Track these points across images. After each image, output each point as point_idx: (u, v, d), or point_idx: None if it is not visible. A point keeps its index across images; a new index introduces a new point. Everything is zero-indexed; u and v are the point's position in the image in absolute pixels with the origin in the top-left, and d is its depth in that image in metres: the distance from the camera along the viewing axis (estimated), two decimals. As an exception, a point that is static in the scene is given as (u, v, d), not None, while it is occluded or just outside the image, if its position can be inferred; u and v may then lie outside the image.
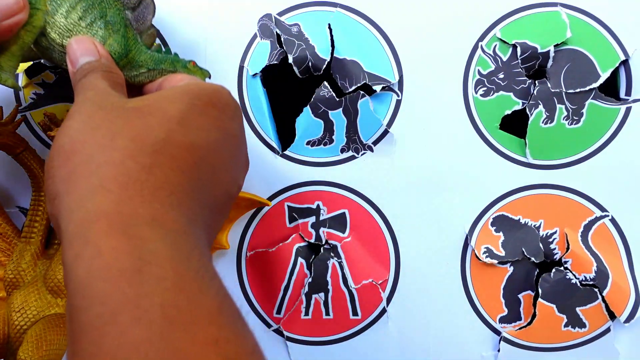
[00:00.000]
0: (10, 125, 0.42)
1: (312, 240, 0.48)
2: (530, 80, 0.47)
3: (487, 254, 0.47)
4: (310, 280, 0.48)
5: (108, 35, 0.37)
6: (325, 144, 0.48)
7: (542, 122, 0.47)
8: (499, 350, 0.47)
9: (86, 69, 0.32)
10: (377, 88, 0.47)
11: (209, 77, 0.46)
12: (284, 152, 0.49)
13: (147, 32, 0.40)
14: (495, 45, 0.47)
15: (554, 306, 0.47)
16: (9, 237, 0.46)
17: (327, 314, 0.49)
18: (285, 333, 0.48)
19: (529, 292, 0.47)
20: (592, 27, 0.46)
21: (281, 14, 0.48)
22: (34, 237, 0.45)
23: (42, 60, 0.45)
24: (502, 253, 0.47)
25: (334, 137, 0.48)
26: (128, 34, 0.38)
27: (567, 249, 0.47)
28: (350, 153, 0.48)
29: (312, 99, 0.48)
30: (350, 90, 0.47)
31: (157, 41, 0.46)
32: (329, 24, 0.48)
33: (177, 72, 0.39)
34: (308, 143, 0.48)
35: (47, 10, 0.36)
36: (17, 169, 0.45)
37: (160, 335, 0.19)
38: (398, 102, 0.48)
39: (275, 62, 0.48)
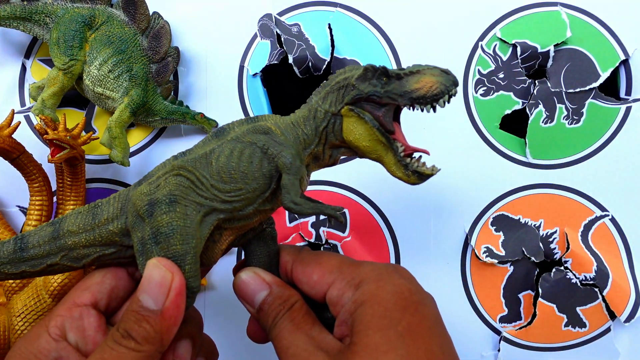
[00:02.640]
0: (6, 130, 0.42)
1: (312, 240, 0.48)
2: (530, 80, 0.47)
3: (487, 254, 0.47)
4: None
5: (131, 87, 0.45)
6: (325, 144, 0.48)
7: (542, 122, 0.47)
8: (499, 350, 0.47)
9: (269, 312, 0.31)
10: None
11: (216, 126, 0.47)
12: (284, 152, 0.49)
13: (165, 85, 0.46)
14: (496, 45, 0.47)
15: (554, 306, 0.47)
16: None
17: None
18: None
19: (529, 291, 0.47)
20: (592, 26, 0.46)
21: (281, 14, 0.48)
22: None
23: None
24: (502, 253, 0.47)
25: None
26: (148, 86, 0.46)
27: (567, 248, 0.47)
28: (350, 153, 0.48)
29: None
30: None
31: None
32: (329, 24, 0.48)
33: (186, 122, 0.46)
34: (308, 143, 0.48)
35: (85, 60, 0.44)
36: (15, 169, 0.45)
37: None
38: (398, 102, 0.48)
39: (275, 62, 0.48)
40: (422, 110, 0.30)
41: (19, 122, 0.43)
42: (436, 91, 0.29)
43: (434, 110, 0.30)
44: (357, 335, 0.27)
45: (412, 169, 0.31)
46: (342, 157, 0.34)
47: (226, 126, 0.32)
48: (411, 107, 0.31)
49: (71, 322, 0.29)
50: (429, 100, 0.30)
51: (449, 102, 0.30)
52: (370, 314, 0.27)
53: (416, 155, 0.31)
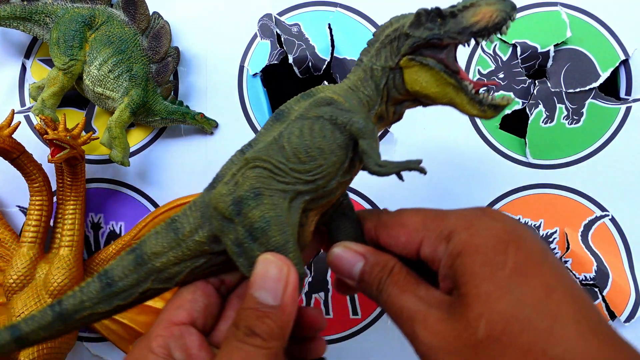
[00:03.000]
0: (6, 130, 0.42)
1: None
2: (530, 80, 0.47)
3: (487, 254, 0.47)
4: (310, 279, 0.48)
5: (131, 87, 0.45)
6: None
7: (542, 122, 0.47)
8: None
9: (370, 281, 0.30)
10: None
11: (216, 126, 0.47)
12: (284, 152, 0.49)
13: (165, 85, 0.46)
14: (496, 45, 0.47)
15: (554, 306, 0.47)
16: (8, 242, 0.46)
17: (327, 313, 0.49)
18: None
19: (529, 291, 0.47)
20: (592, 26, 0.46)
21: (281, 14, 0.48)
22: (33, 241, 0.45)
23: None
24: (502, 253, 0.47)
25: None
26: (148, 86, 0.46)
27: (567, 248, 0.47)
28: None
29: (312, 99, 0.47)
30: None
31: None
32: (329, 24, 0.48)
33: (186, 122, 0.45)
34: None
35: (85, 60, 0.44)
36: (14, 168, 0.45)
37: None
38: (398, 102, 0.48)
39: (275, 62, 0.48)
40: (485, 41, 0.30)
41: (19, 122, 0.43)
42: (497, 19, 0.28)
43: (502, 34, 0.29)
44: (464, 287, 0.26)
45: (487, 104, 0.29)
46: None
47: (284, 107, 0.31)
48: (474, 41, 0.29)
49: (174, 341, 0.28)
50: (492, 31, 0.29)
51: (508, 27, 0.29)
52: (471, 263, 0.26)
53: (482, 90, 0.30)
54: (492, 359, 0.24)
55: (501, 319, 0.24)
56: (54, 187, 0.47)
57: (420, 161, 0.29)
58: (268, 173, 0.29)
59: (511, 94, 0.30)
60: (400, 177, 0.30)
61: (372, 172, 0.29)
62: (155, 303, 0.47)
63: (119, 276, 0.30)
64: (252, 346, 0.26)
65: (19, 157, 0.44)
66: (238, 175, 0.30)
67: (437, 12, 0.29)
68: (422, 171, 0.29)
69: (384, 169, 0.28)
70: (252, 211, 0.28)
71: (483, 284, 0.25)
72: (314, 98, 0.31)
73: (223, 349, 0.27)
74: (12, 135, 0.43)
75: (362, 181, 0.48)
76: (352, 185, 0.48)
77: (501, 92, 0.31)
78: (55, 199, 0.46)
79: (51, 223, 0.47)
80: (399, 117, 0.33)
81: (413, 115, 0.48)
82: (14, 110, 0.44)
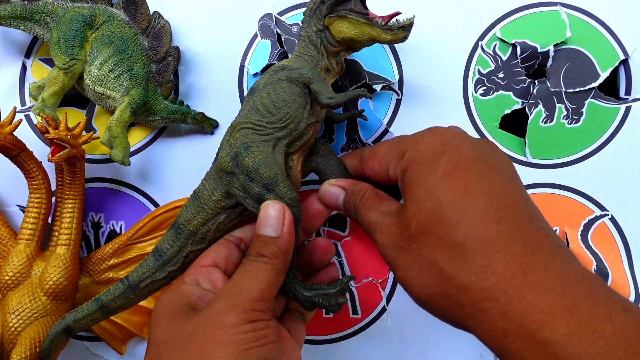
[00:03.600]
0: (7, 127, 0.42)
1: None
2: (529, 80, 0.47)
3: (487, 253, 0.47)
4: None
5: (132, 87, 0.45)
6: (325, 144, 0.49)
7: (542, 122, 0.47)
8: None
9: (349, 206, 0.39)
10: (378, 87, 0.47)
11: (217, 126, 0.47)
12: (284, 152, 0.49)
13: (165, 84, 0.47)
14: (495, 45, 0.47)
15: (554, 305, 0.47)
16: (5, 238, 0.46)
17: (327, 312, 0.49)
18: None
19: (529, 291, 0.47)
20: (592, 26, 0.47)
21: (281, 13, 0.48)
22: (30, 239, 0.45)
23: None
24: (502, 252, 0.47)
25: (334, 136, 0.48)
26: (149, 86, 0.46)
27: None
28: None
29: (312, 99, 0.48)
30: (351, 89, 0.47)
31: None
32: (329, 24, 0.48)
33: (187, 122, 0.47)
34: (308, 142, 0.49)
35: (86, 60, 0.45)
36: (16, 168, 0.45)
37: None
38: (398, 102, 0.48)
39: (275, 62, 0.48)
40: None
41: (21, 120, 0.43)
42: None
43: None
44: (406, 195, 0.33)
45: (395, 28, 0.39)
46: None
47: (253, 85, 0.40)
48: None
49: (202, 276, 0.36)
50: None
51: None
52: (412, 174, 0.32)
53: (392, 21, 0.39)
54: (420, 248, 0.31)
55: (425, 216, 0.30)
56: (53, 186, 0.47)
57: (365, 90, 0.38)
58: (251, 131, 0.37)
59: (412, 16, 0.39)
60: (361, 114, 0.45)
61: (326, 106, 0.37)
62: (150, 304, 0.47)
63: (166, 247, 0.39)
64: (262, 262, 0.33)
65: (19, 154, 0.44)
66: (230, 139, 0.38)
67: None
68: (368, 96, 0.38)
69: (334, 100, 0.37)
70: (245, 159, 0.36)
71: (417, 189, 0.31)
72: (271, 69, 0.40)
73: (239, 268, 0.34)
74: (13, 134, 0.43)
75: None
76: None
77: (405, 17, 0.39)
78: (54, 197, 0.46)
79: (49, 221, 0.47)
80: (342, 66, 0.42)
81: (413, 115, 0.48)
82: (15, 107, 0.44)
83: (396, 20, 0.39)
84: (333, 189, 0.39)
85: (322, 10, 0.39)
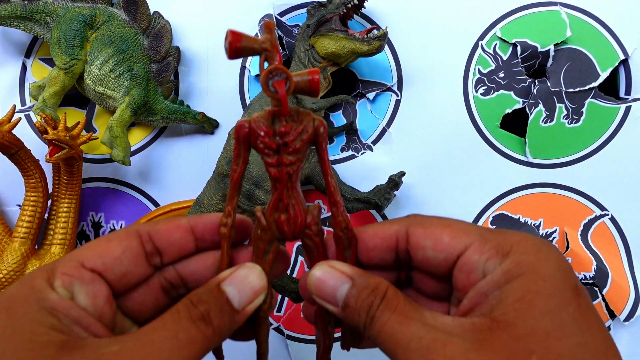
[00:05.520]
0: (6, 125, 0.42)
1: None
2: (530, 79, 0.47)
3: (487, 253, 0.47)
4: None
5: (132, 87, 0.45)
6: (325, 143, 0.49)
7: (542, 121, 0.47)
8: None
9: (359, 307, 0.26)
10: (371, 95, 0.47)
11: (217, 126, 0.47)
12: (285, 151, 0.49)
13: (166, 84, 0.47)
14: (496, 44, 0.47)
15: (554, 305, 0.47)
16: (0, 236, 0.46)
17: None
18: (286, 331, 0.48)
19: (529, 290, 0.48)
20: (592, 26, 0.47)
21: (282, 14, 0.48)
22: (25, 237, 0.45)
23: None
24: (502, 252, 0.47)
25: (334, 136, 0.48)
26: (149, 85, 0.46)
27: (567, 247, 0.47)
28: (350, 152, 0.48)
29: (312, 98, 0.48)
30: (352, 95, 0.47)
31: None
32: (329, 23, 0.48)
33: (187, 122, 0.47)
34: (308, 142, 0.49)
35: (86, 60, 0.45)
36: (16, 168, 0.45)
37: None
38: (397, 102, 0.48)
39: (275, 62, 0.48)
40: (351, 8, 0.44)
41: (19, 118, 0.43)
42: None
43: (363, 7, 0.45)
44: (511, 314, 0.23)
45: (371, 39, 0.43)
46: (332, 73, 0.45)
47: (250, 101, 0.45)
48: (344, 9, 0.44)
49: (81, 285, 0.25)
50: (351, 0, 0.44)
51: None
52: (534, 290, 0.23)
53: (370, 35, 0.43)
54: None
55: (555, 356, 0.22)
56: (51, 186, 0.47)
57: (348, 96, 0.44)
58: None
59: (383, 27, 0.43)
60: (351, 125, 0.47)
61: (309, 109, 0.37)
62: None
63: None
64: (202, 334, 0.24)
65: (17, 152, 0.43)
66: (227, 146, 0.43)
67: (318, 4, 0.45)
68: (351, 102, 0.44)
69: (317, 105, 0.40)
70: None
71: (545, 318, 0.23)
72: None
73: (168, 319, 0.25)
74: (12, 132, 0.43)
75: (362, 180, 0.48)
76: (352, 184, 0.48)
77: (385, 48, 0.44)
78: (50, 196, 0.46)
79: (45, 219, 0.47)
80: (329, 81, 0.45)
81: (413, 114, 0.48)
82: (15, 105, 0.44)
83: (372, 33, 0.43)
84: (333, 276, 0.27)
85: (308, 32, 0.44)
